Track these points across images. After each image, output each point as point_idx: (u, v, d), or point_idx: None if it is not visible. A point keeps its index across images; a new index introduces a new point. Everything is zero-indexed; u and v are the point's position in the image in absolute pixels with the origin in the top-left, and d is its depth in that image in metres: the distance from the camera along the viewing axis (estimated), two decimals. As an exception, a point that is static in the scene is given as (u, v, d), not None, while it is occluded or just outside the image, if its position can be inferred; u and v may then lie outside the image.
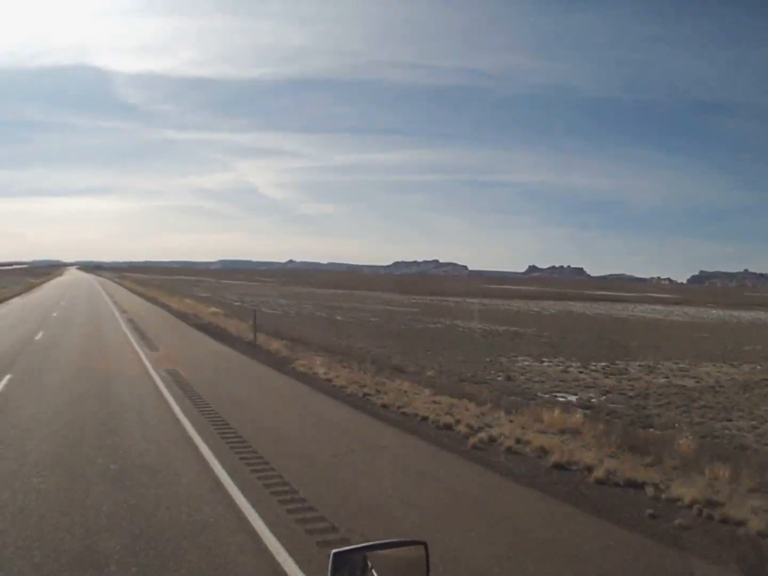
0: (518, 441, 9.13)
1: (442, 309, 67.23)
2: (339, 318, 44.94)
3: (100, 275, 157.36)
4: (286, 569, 5.02)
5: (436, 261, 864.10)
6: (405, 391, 13.47)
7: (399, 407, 11.65)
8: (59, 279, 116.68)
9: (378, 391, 13.22)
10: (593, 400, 19.05)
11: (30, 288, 67.86)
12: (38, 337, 21.64)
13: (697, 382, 23.46)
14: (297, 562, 5.12)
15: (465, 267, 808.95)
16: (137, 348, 19.59)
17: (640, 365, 27.23)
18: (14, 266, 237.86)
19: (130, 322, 28.97)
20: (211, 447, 8.54)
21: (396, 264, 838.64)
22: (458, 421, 10.34)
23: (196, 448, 8.53)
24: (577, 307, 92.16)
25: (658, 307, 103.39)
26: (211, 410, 10.99)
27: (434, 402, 12.27)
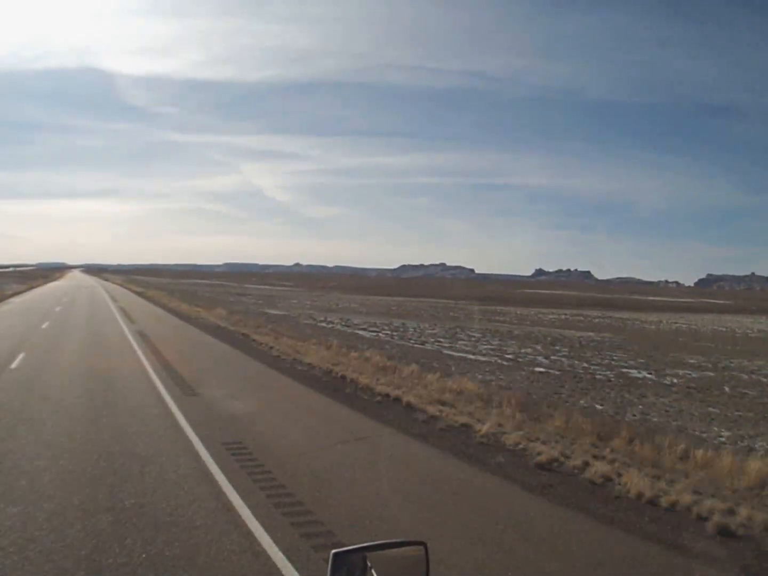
0: None
1: (629, 332, 45.68)
2: (598, 375, 22.79)
3: (106, 279, 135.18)
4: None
5: (443, 264, 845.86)
6: None
7: None
8: (56, 284, 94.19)
9: None
10: None
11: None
12: None
13: None
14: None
15: (472, 270, 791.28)
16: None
17: None
18: (11, 268, 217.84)
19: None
20: None
21: (403, 267, 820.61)
22: None
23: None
24: (727, 321, 70.93)
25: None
26: None
27: None
